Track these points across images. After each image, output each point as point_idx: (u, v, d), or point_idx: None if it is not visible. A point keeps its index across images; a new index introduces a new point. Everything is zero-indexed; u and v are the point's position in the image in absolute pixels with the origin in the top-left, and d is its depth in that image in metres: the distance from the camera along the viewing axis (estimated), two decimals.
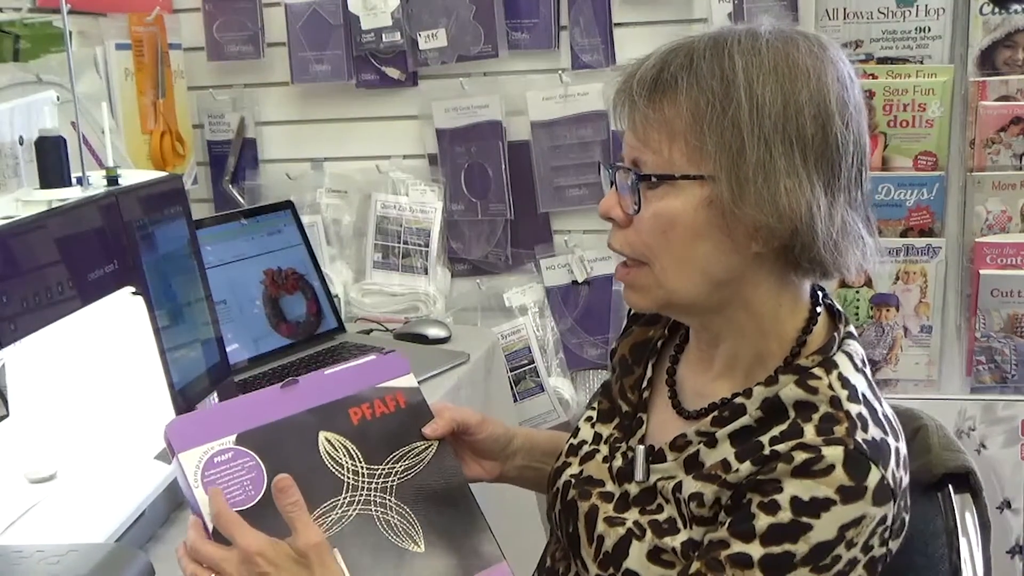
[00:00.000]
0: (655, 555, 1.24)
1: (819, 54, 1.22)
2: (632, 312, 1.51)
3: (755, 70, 1.19)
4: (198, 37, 2.84)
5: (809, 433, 1.18)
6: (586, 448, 1.42)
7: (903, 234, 2.51)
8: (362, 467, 1.28)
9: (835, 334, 1.27)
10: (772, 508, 1.15)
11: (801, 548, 1.14)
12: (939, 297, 2.54)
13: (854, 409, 1.20)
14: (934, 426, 1.48)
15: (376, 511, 1.26)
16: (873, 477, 1.15)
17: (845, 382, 1.23)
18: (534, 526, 2.49)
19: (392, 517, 1.26)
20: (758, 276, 1.25)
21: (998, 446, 2.50)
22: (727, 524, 1.18)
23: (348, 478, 1.26)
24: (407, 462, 1.31)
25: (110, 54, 2.49)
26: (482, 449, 1.47)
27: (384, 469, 1.29)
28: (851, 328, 1.31)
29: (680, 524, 1.25)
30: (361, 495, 1.26)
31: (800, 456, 1.15)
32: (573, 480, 1.39)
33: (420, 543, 1.25)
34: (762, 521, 1.15)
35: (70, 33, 1.83)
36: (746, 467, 1.20)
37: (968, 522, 1.41)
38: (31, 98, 1.66)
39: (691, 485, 1.24)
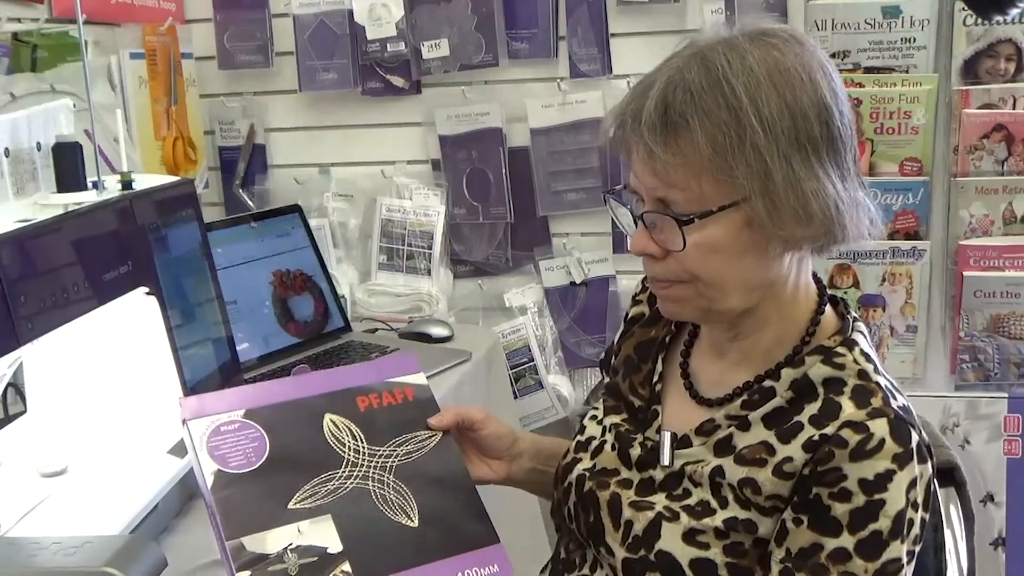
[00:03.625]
0: (690, 536, 1.26)
1: (799, 51, 1.23)
2: (630, 316, 1.53)
3: (755, 90, 1.19)
4: (209, 47, 2.87)
5: (849, 408, 1.22)
6: (595, 443, 1.44)
7: (889, 237, 2.53)
8: (364, 447, 1.30)
9: (848, 317, 1.33)
10: (844, 496, 1.18)
11: (884, 523, 1.18)
12: (924, 298, 2.56)
13: (882, 381, 1.25)
14: (920, 422, 1.50)
15: (373, 487, 1.27)
16: (914, 439, 1.21)
17: (868, 357, 1.28)
18: (537, 527, 2.49)
19: (389, 493, 1.27)
20: (786, 268, 1.29)
21: (981, 442, 2.53)
22: (807, 524, 1.21)
23: (349, 455, 1.28)
24: (409, 447, 1.33)
25: (124, 63, 2.54)
26: (487, 447, 1.48)
27: (385, 451, 1.31)
28: (855, 313, 1.36)
29: (716, 504, 1.27)
30: (360, 471, 1.28)
31: (851, 437, 1.19)
32: (588, 473, 1.40)
33: (414, 519, 1.26)
34: (840, 510, 1.18)
35: (86, 43, 1.85)
36: (799, 455, 1.22)
37: (953, 515, 1.47)
38: (48, 105, 1.66)
39: (736, 471, 1.26)
